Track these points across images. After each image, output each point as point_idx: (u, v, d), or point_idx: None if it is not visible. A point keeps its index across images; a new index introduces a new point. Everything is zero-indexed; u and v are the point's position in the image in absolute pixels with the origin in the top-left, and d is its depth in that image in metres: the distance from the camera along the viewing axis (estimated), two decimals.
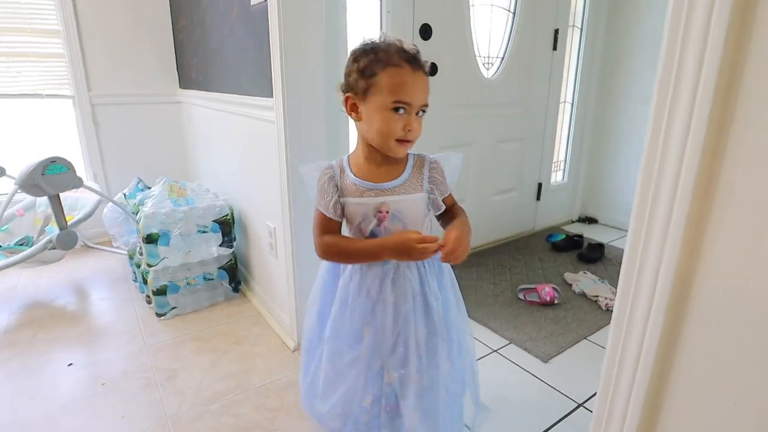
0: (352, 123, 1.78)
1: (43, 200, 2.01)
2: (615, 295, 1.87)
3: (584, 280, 2.01)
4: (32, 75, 2.24)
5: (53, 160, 1.68)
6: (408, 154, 0.91)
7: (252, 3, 1.41)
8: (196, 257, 1.77)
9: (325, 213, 0.90)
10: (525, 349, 1.57)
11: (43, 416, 1.25)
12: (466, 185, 2.27)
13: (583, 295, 1.94)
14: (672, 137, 0.49)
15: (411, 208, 0.89)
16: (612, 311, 0.60)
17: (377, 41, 0.84)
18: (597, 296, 1.90)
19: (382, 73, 0.81)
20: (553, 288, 1.88)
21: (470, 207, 2.31)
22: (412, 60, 0.82)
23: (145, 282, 1.77)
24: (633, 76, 2.54)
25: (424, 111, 0.85)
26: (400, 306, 0.91)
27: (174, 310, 1.77)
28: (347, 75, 0.86)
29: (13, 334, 1.65)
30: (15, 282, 2.04)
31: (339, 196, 0.90)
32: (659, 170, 0.51)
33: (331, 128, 1.69)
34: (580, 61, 2.59)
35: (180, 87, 2.53)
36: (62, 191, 1.73)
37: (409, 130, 0.83)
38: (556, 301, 1.85)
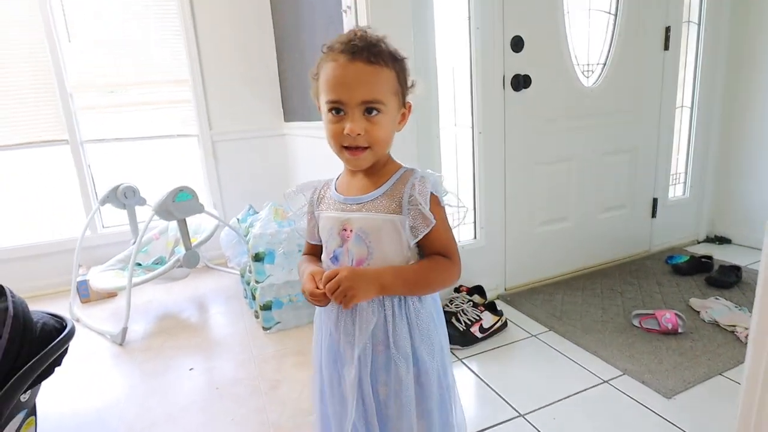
0: (443, 137, 1.81)
1: (174, 225, 2.32)
2: None
3: (717, 307, 1.73)
4: (166, 118, 2.64)
5: (181, 189, 1.94)
6: (401, 167, 0.79)
7: (345, 29, 1.52)
8: (298, 275, 1.88)
9: (306, 238, 0.86)
10: (643, 382, 1.38)
11: (166, 414, 1.40)
12: (567, 202, 2.12)
13: (715, 324, 1.67)
14: None
15: (379, 232, 0.74)
16: None
17: (334, 39, 0.73)
18: (734, 326, 1.62)
19: (322, 70, 0.72)
20: (676, 314, 1.65)
21: (573, 225, 2.15)
22: (350, 49, 0.69)
23: (254, 298, 1.93)
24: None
25: (377, 110, 0.71)
26: (357, 357, 0.76)
27: (278, 325, 1.89)
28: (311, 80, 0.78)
29: (148, 340, 1.89)
30: (151, 296, 2.35)
31: (317, 215, 0.82)
32: None
33: (423, 144, 1.72)
34: (700, 60, 2.30)
35: (285, 120, 2.78)
36: (188, 216, 1.98)
37: (348, 134, 0.70)
38: (679, 330, 1.61)
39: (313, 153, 2.25)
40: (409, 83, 0.78)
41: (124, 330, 1.87)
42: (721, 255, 2.28)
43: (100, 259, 2.42)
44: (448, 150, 1.95)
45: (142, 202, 2.29)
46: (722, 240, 2.50)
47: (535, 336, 1.70)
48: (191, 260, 2.02)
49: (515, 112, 1.89)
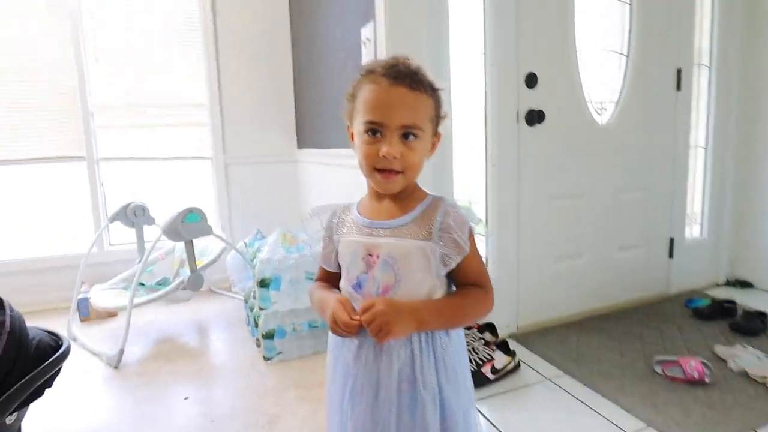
0: (456, 160, 1.79)
1: (180, 246, 2.29)
2: None
3: (745, 356, 1.63)
4: (181, 140, 2.67)
5: (191, 210, 1.92)
6: (428, 194, 0.78)
7: (363, 64, 1.53)
8: (304, 304, 1.82)
9: (321, 264, 0.83)
10: None
11: None
12: (581, 239, 2.06)
13: (744, 374, 1.56)
14: None
15: (408, 259, 0.72)
16: None
17: (371, 62, 0.76)
18: (765, 377, 1.52)
19: (360, 92, 0.73)
20: (702, 362, 1.55)
21: (587, 263, 2.09)
22: (393, 74, 0.70)
23: (257, 325, 1.86)
24: None
25: (414, 135, 0.71)
26: (377, 394, 0.71)
27: (280, 355, 1.81)
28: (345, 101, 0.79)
29: (144, 364, 1.83)
30: (152, 317, 2.30)
31: (335, 240, 0.79)
32: None
33: (437, 175, 1.70)
34: (712, 102, 2.31)
35: (298, 147, 2.79)
36: (196, 237, 1.95)
37: (384, 156, 0.69)
38: (706, 380, 1.51)
39: (324, 180, 2.24)
40: (442, 114, 0.78)
41: (121, 352, 1.81)
42: (744, 300, 2.18)
43: (104, 277, 2.38)
44: (461, 183, 1.93)
45: (151, 221, 2.28)
46: (743, 284, 2.41)
47: (549, 380, 1.60)
48: (196, 283, 1.98)
49: (529, 147, 1.88)
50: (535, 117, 1.83)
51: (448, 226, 0.71)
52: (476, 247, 0.76)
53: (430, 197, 0.77)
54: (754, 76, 2.28)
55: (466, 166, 1.97)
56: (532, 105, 1.83)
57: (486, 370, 1.57)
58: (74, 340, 2.03)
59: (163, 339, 2.08)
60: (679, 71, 2.16)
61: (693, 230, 2.44)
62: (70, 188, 2.53)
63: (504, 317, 1.92)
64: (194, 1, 2.55)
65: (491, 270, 1.90)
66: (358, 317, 0.69)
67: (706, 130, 2.36)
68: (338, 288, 0.81)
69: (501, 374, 1.59)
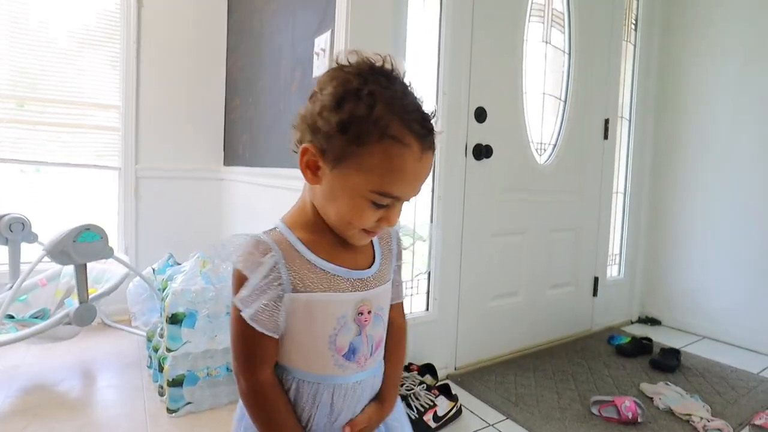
0: None
1: (68, 270, 1.89)
2: (711, 414, 1.55)
3: (669, 394, 1.70)
4: (81, 145, 2.27)
5: (87, 228, 1.59)
6: None
7: (314, 76, 1.40)
8: (222, 343, 1.57)
9: (260, 328, 0.57)
10: None
11: None
12: (519, 277, 2.07)
13: (670, 411, 1.61)
14: None
15: (388, 301, 0.65)
16: None
17: (379, 81, 0.55)
18: (689, 415, 1.57)
19: (377, 146, 0.53)
20: (635, 402, 1.57)
21: (523, 301, 2.09)
22: (425, 136, 0.55)
23: (161, 369, 1.56)
24: (688, 168, 2.45)
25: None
26: None
27: (188, 406, 1.52)
28: (317, 115, 0.55)
29: (3, 424, 1.42)
30: (20, 359, 1.84)
31: (293, 298, 0.58)
32: None
33: None
34: (631, 152, 2.53)
35: (224, 164, 2.53)
36: (91, 261, 1.62)
37: (387, 225, 0.59)
38: (639, 419, 1.53)
39: (259, 202, 2.01)
40: None
41: None
42: (655, 336, 2.33)
43: None
44: (407, 214, 1.84)
45: (32, 238, 1.86)
46: (653, 321, 2.59)
47: (492, 426, 1.52)
48: (85, 316, 1.62)
49: (475, 181, 1.86)
50: (482, 151, 1.81)
51: (400, 253, 0.67)
52: None
53: None
54: (665, 130, 2.54)
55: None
56: (481, 139, 1.82)
57: (428, 417, 1.45)
58: None
59: (33, 388, 1.66)
60: (606, 121, 2.33)
61: (612, 270, 2.60)
62: None
63: (443, 357, 1.83)
64: None
65: (433, 308, 1.81)
66: None
67: (624, 177, 2.56)
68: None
69: (443, 422, 1.48)
